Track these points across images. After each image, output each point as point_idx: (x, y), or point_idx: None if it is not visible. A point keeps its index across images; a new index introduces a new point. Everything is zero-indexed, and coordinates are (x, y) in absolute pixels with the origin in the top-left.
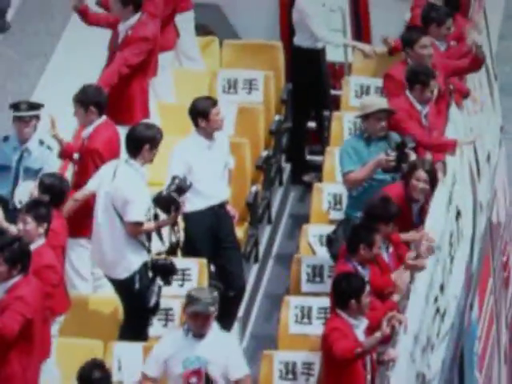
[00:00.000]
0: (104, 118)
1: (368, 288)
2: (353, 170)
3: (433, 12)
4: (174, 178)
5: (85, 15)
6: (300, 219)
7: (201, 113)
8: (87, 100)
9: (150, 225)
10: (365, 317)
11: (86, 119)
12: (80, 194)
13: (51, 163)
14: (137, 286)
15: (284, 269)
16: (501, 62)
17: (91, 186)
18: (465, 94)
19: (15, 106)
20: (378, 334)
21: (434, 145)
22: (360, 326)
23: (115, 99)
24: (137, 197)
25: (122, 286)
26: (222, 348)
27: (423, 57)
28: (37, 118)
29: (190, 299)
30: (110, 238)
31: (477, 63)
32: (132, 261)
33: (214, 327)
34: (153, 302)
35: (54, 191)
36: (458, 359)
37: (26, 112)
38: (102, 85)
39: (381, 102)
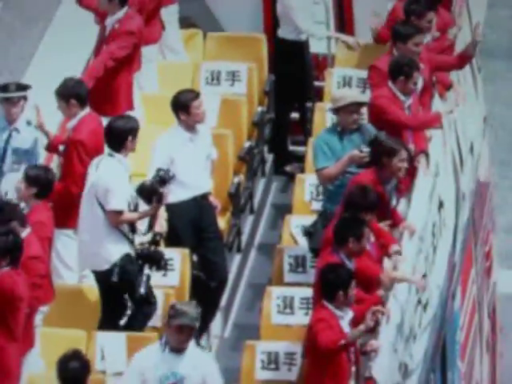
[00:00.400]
0: (88, 110)
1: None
2: (326, 166)
3: (414, 4)
4: (158, 171)
5: None
6: (282, 209)
7: (182, 106)
8: (67, 93)
9: (132, 215)
10: (350, 309)
11: (69, 112)
12: None
13: (40, 143)
14: (115, 278)
15: (266, 258)
16: (490, 29)
17: None
18: (448, 86)
19: (3, 88)
20: (361, 327)
21: (420, 123)
22: (345, 318)
23: (101, 91)
24: (118, 186)
25: (102, 278)
26: (199, 365)
27: (414, 53)
28: (24, 98)
29: (176, 312)
30: (92, 229)
31: (464, 62)
32: (112, 252)
33: (191, 343)
34: (142, 291)
35: (40, 182)
36: (441, 348)
37: (14, 93)
38: (88, 77)
39: (352, 95)
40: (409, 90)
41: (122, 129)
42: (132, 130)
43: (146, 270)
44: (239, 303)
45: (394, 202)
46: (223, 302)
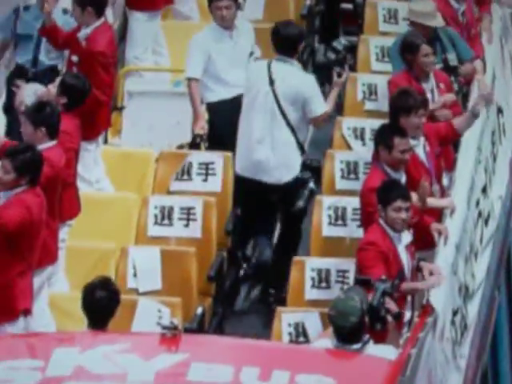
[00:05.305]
0: (102, 20)
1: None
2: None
3: None
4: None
5: None
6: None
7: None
8: (85, 0)
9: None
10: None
11: (83, 19)
12: None
13: None
14: (300, 189)
15: (316, 154)
16: None
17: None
18: None
19: None
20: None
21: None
22: (402, 241)
23: None
24: (314, 90)
25: (285, 191)
26: None
27: None
28: None
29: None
30: (272, 141)
31: None
32: (294, 163)
33: None
34: (300, 205)
35: (73, 93)
36: (506, 262)
37: None
38: None
39: (428, 14)
40: None
41: (298, 33)
42: (304, 35)
43: (311, 184)
44: None
45: (436, 99)
46: None
